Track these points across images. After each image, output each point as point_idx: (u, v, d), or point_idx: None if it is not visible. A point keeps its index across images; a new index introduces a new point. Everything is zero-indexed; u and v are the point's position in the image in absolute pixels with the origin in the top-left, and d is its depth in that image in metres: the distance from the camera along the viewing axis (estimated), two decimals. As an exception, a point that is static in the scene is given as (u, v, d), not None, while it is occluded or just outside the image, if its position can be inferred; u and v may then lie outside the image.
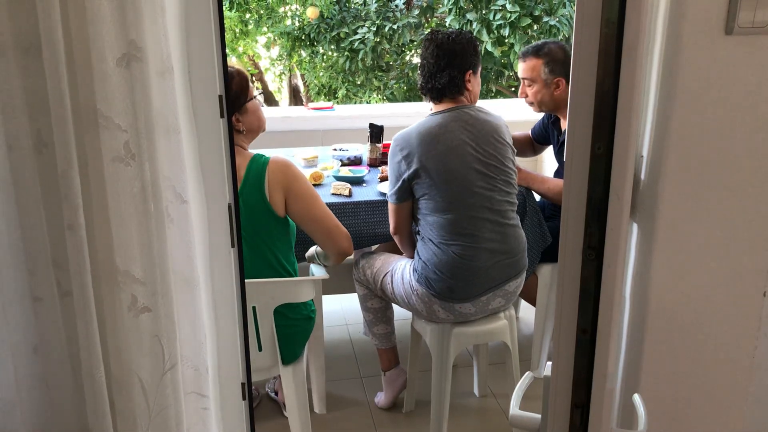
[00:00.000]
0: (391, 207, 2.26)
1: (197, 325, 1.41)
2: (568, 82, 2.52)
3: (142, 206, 1.26)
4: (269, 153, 2.12)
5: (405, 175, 2.14)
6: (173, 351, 1.34)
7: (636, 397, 1.07)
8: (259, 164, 2.03)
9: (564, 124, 2.78)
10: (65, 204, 1.20)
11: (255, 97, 2.13)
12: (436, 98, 2.20)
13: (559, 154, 2.81)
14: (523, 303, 2.90)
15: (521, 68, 2.63)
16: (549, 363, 0.97)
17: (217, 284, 1.51)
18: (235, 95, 2.05)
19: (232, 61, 8.94)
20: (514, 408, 1.05)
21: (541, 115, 2.86)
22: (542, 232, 2.59)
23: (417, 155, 2.10)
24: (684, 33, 1.05)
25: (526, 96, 2.62)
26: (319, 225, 2.11)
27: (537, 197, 2.73)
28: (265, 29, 8.65)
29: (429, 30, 2.37)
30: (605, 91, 0.78)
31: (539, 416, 1.02)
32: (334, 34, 7.64)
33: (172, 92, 1.27)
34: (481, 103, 2.37)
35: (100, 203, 1.25)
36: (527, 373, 1.17)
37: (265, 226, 2.05)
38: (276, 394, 2.67)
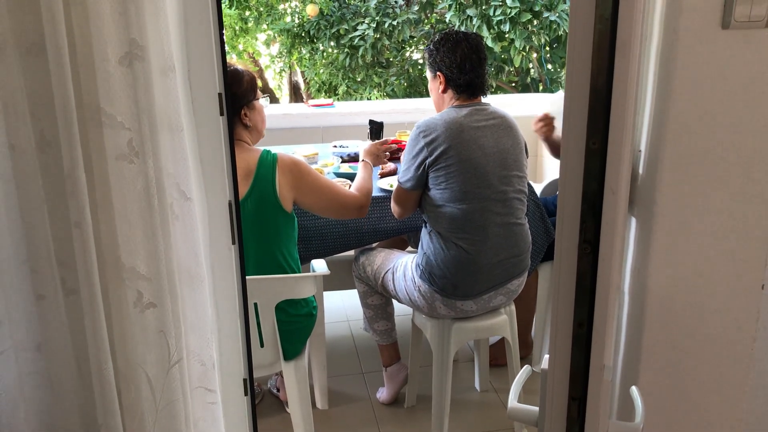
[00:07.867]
0: (402, 192, 2.26)
1: (203, 320, 1.42)
2: None
3: (146, 203, 1.27)
4: (272, 150, 2.14)
5: (427, 161, 2.14)
6: (179, 345, 1.35)
7: (634, 390, 1.08)
8: (269, 162, 2.08)
9: None
10: (72, 202, 1.21)
11: (259, 98, 2.18)
12: (472, 94, 2.22)
13: None
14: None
15: None
16: (547, 356, 0.98)
17: (218, 281, 1.52)
18: (244, 92, 2.12)
19: (233, 60, 8.94)
20: (512, 401, 1.06)
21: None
22: (545, 227, 2.60)
23: (442, 141, 2.12)
24: (681, 27, 1.06)
25: None
26: (330, 208, 2.20)
27: (538, 192, 2.73)
28: (264, 26, 8.64)
29: (446, 29, 2.38)
30: (599, 87, 0.79)
31: (537, 409, 1.02)
32: (333, 30, 7.63)
33: (174, 90, 1.28)
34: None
35: (105, 201, 1.26)
36: (525, 366, 1.17)
37: (273, 222, 2.08)
38: (278, 390, 2.68)
